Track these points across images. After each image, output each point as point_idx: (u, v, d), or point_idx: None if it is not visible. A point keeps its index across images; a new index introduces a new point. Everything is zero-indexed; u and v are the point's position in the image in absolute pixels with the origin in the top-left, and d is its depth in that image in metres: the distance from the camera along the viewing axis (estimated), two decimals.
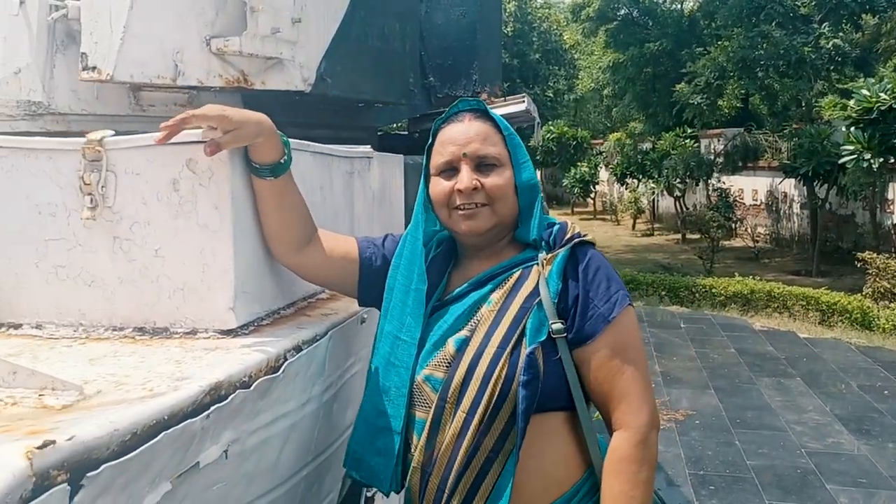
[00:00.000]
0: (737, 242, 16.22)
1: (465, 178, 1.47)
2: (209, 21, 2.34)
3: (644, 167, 18.05)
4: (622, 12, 21.33)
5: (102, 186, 1.51)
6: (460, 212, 1.49)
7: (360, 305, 1.71)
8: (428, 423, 1.43)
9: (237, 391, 1.24)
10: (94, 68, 2.22)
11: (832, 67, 14.92)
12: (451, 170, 1.50)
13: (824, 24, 14.69)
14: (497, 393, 1.38)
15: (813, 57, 14.15)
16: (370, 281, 1.62)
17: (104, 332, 1.53)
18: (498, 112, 5.37)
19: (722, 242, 14.83)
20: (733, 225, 15.86)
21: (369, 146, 2.43)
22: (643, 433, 1.40)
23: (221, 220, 1.49)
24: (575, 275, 1.48)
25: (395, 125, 6.87)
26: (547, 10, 25.62)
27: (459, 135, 1.50)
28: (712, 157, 16.94)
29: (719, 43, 16.09)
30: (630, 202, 20.66)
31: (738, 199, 17.23)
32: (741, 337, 7.96)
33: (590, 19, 21.27)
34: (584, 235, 1.53)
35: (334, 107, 3.06)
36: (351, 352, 1.88)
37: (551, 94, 23.70)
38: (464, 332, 1.45)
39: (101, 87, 2.40)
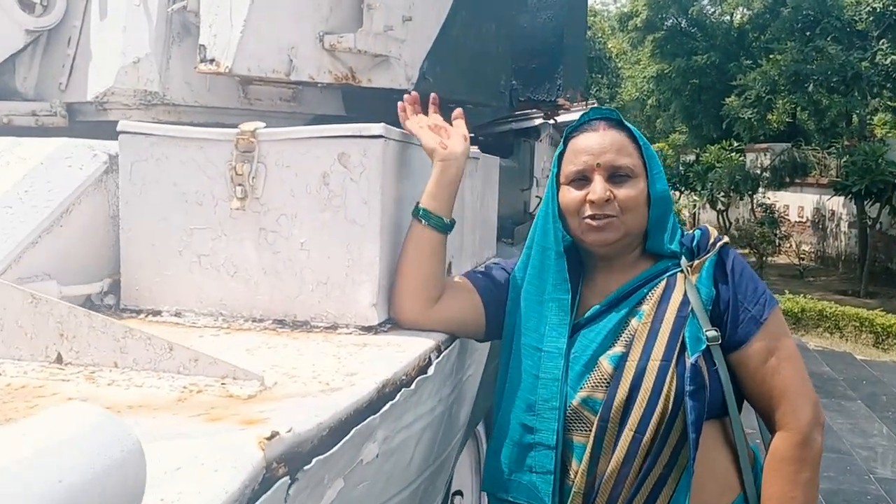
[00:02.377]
0: (781, 259, 15.95)
1: (599, 188, 1.45)
2: (324, 17, 2.35)
3: (687, 179, 17.82)
4: (670, 22, 21.14)
5: (253, 177, 1.51)
6: (590, 222, 1.47)
7: (482, 342, 1.70)
8: (589, 447, 1.39)
9: (402, 389, 1.23)
10: (212, 60, 2.23)
11: (888, 84, 14.61)
12: (583, 179, 1.48)
13: (882, 41, 14.39)
14: (670, 407, 1.35)
15: (870, 73, 13.87)
16: (494, 315, 1.60)
17: (244, 322, 1.53)
18: (567, 117, 5.36)
19: (767, 258, 14.59)
20: (778, 241, 15.60)
21: (477, 147, 2.42)
22: (804, 433, 1.37)
23: (370, 215, 1.48)
24: (724, 279, 1.46)
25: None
26: (592, 18, 25.52)
27: (594, 144, 1.48)
28: (759, 172, 16.68)
29: (771, 56, 15.85)
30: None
31: (783, 215, 16.94)
32: None
33: (637, 29, 21.10)
34: (723, 238, 1.51)
35: (426, 107, 3.06)
36: (469, 353, 1.87)
37: (594, 102, 23.52)
38: (617, 349, 1.42)
39: (213, 80, 2.42)
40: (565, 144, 1.54)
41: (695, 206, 18.82)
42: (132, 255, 1.60)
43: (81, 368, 1.15)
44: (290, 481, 0.86)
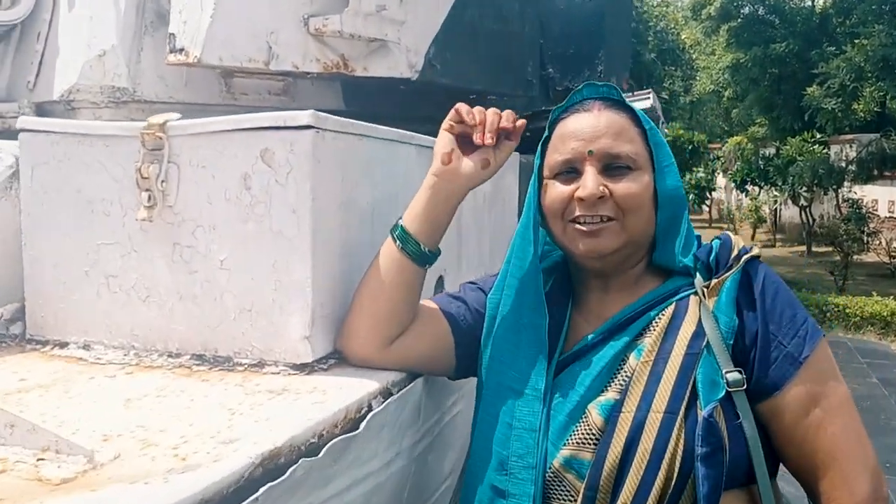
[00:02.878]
0: (869, 258, 14.91)
1: (590, 182, 1.11)
2: None
3: (766, 174, 16.97)
4: (746, 10, 20.11)
5: (162, 181, 1.24)
6: (579, 226, 1.13)
7: (452, 379, 1.37)
8: None
9: (300, 461, 0.92)
10: (181, 50, 1.99)
11: None
12: (571, 171, 1.15)
13: None
14: (676, 473, 1.02)
15: None
16: (465, 349, 1.27)
17: (157, 357, 1.26)
18: None
19: (853, 257, 13.66)
20: (866, 239, 14.60)
21: None
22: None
23: (300, 225, 1.18)
24: (750, 304, 1.11)
25: None
26: (664, 9, 24.66)
27: (586, 127, 1.14)
28: (844, 165, 15.67)
29: (857, 41, 14.82)
30: (750, 210, 19.50)
31: (871, 210, 15.87)
32: (883, 365, 7.11)
33: (711, 18, 20.17)
34: (751, 250, 1.16)
35: (442, 98, 2.74)
36: (454, 388, 1.55)
37: (666, 96, 22.72)
38: (610, 395, 1.09)
39: (189, 73, 2.18)
40: (551, 129, 1.21)
41: (775, 201, 17.93)
42: (36, 275, 1.35)
43: None
44: None
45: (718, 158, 21.13)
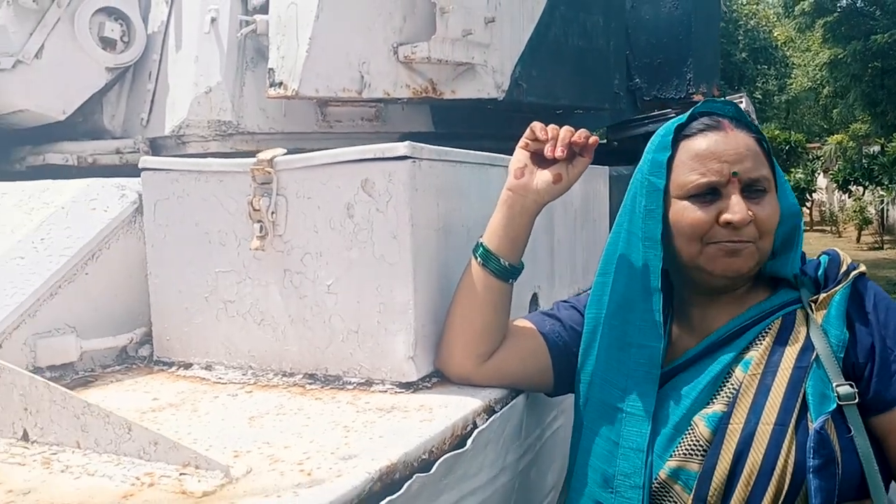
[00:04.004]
0: None
1: (740, 207, 1.10)
2: (396, 27, 2.15)
3: (871, 172, 16.13)
4: (843, 3, 19.23)
5: (272, 212, 1.32)
6: (723, 246, 1.12)
7: (551, 396, 1.39)
8: None
9: (414, 476, 0.97)
10: (280, 84, 2.10)
11: None
12: (710, 193, 1.13)
13: None
14: (787, 486, 1.02)
15: None
16: (563, 366, 1.30)
17: (273, 377, 1.35)
18: None
19: None
20: None
21: None
22: None
23: (400, 250, 1.24)
24: (862, 318, 1.10)
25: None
26: (755, 7, 23.88)
27: (727, 149, 1.12)
28: None
29: None
30: (854, 212, 18.54)
31: None
32: None
33: (805, 14, 19.39)
34: (859, 266, 1.15)
35: (529, 115, 2.78)
36: (553, 403, 1.57)
37: (759, 96, 21.94)
38: (716, 407, 1.09)
39: (288, 104, 2.29)
40: (675, 147, 1.18)
41: (882, 201, 16.97)
42: (161, 302, 1.46)
43: (45, 448, 1.00)
44: None
45: (818, 158, 20.25)
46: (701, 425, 1.09)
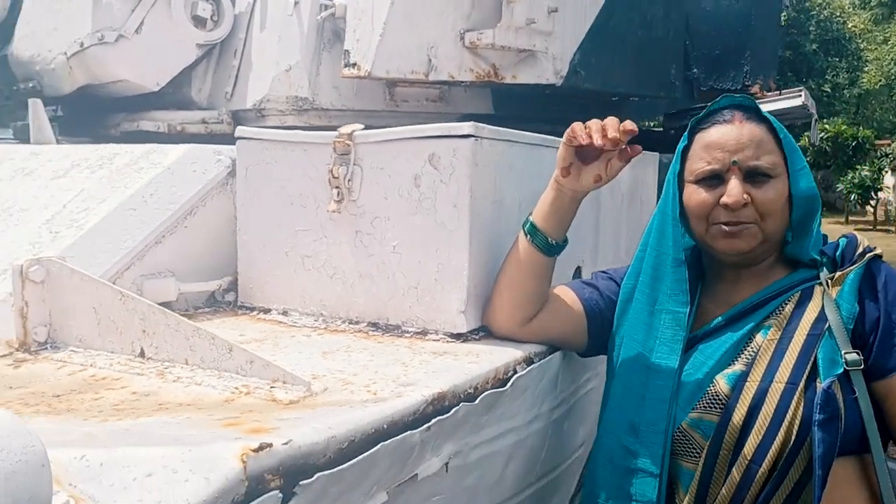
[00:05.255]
0: None
1: (735, 191, 1.25)
2: (464, 14, 2.32)
3: None
4: None
5: (349, 180, 1.51)
6: (723, 227, 1.28)
7: (583, 356, 1.57)
8: (698, 474, 1.23)
9: (461, 404, 1.16)
10: (354, 65, 2.29)
11: None
12: (714, 178, 1.29)
13: None
14: (794, 436, 1.15)
15: None
16: (597, 329, 1.47)
17: (341, 324, 1.54)
18: (770, 107, 4.88)
19: None
20: None
21: None
22: None
23: (459, 218, 1.42)
24: (873, 295, 1.23)
25: (647, 122, 6.52)
26: None
27: (730, 139, 1.27)
28: None
29: None
30: None
31: None
32: None
33: (882, 4, 18.74)
34: (874, 249, 1.28)
35: (586, 101, 2.92)
36: (588, 365, 1.74)
37: (828, 89, 21.32)
38: (737, 367, 1.24)
39: (359, 83, 2.49)
40: (691, 137, 1.36)
41: None
42: (246, 255, 1.67)
43: (158, 363, 1.22)
44: (281, 495, 0.83)
45: (887, 156, 19.60)
46: (721, 382, 1.24)
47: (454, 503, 1.31)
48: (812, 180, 1.32)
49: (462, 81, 2.42)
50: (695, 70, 3.52)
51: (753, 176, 1.27)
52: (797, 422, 1.16)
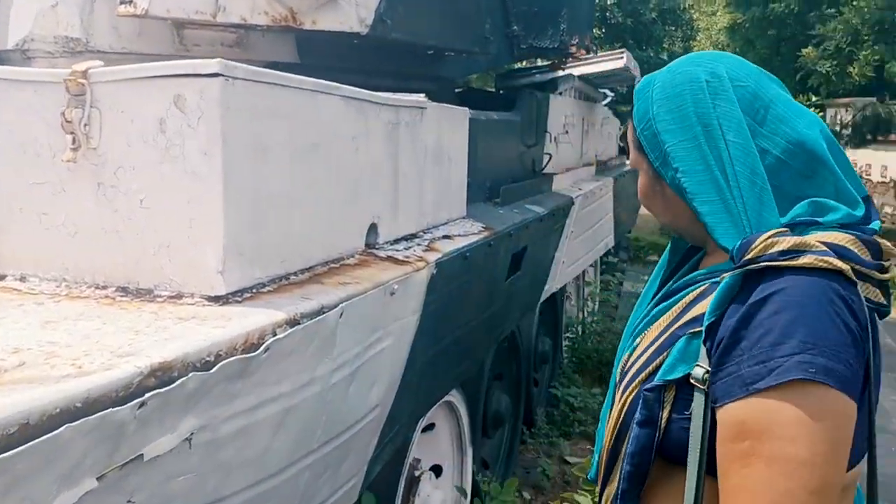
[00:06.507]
0: None
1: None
2: None
3: None
4: None
5: (86, 125, 1.32)
6: None
7: None
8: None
9: (191, 373, 1.03)
10: (130, 2, 2.05)
11: None
12: None
13: None
14: (617, 425, 1.10)
15: None
16: None
17: (86, 289, 1.36)
18: (592, 68, 4.96)
19: None
20: None
21: (423, 95, 2.17)
22: None
23: (211, 167, 1.27)
24: (737, 311, 0.99)
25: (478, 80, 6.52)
26: None
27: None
28: (838, 129, 15.65)
29: (854, 3, 14.67)
30: None
31: (864, 174, 15.92)
32: None
33: None
34: (793, 258, 0.96)
35: (399, 53, 2.81)
36: (376, 326, 1.66)
37: (665, 57, 22.47)
38: (637, 340, 1.16)
39: (143, 24, 2.24)
40: None
41: None
42: None
43: None
44: None
45: None
46: (628, 354, 1.16)
47: (207, 481, 1.19)
48: (683, 172, 1.12)
49: (257, 25, 2.24)
50: (515, 27, 3.51)
51: None
52: (623, 413, 1.08)
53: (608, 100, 6.63)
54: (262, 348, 1.18)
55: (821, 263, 0.94)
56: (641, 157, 1.17)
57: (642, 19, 22.15)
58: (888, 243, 1.03)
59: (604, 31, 22.87)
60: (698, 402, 1.00)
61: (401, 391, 1.89)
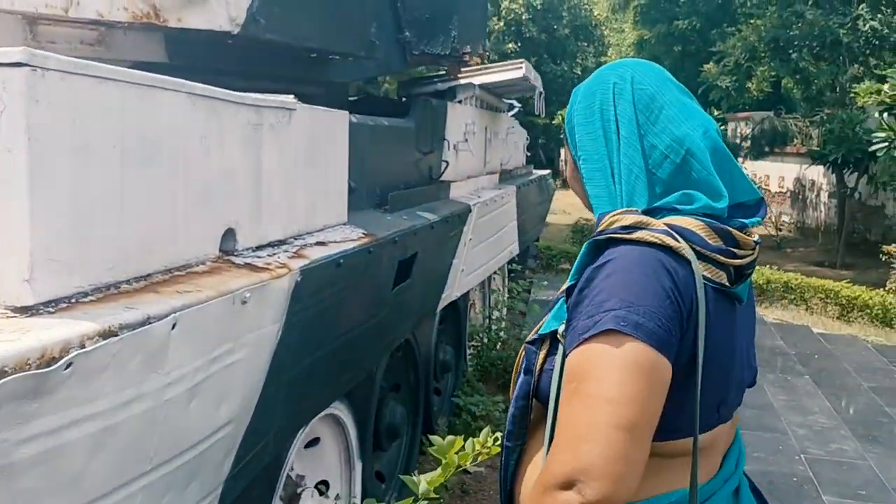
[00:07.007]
0: (759, 230, 15.71)
1: None
2: None
3: None
4: None
5: None
6: None
7: None
8: None
9: None
10: None
11: (869, 52, 14.17)
12: None
13: (862, 6, 13.92)
14: (516, 373, 1.29)
15: (849, 39, 13.42)
16: None
17: None
18: (492, 78, 4.96)
19: None
20: None
21: (292, 96, 2.09)
22: (538, 489, 1.05)
23: (15, 166, 1.16)
24: (585, 275, 1.14)
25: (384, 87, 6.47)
26: None
27: None
28: (738, 142, 16.35)
29: (751, 21, 15.40)
30: None
31: (763, 185, 16.67)
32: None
33: None
34: (629, 232, 1.11)
35: (279, 55, 2.71)
36: (223, 338, 1.56)
37: (579, 72, 23.07)
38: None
39: None
40: None
41: None
42: None
43: None
44: None
45: None
46: None
47: None
48: (585, 160, 1.26)
49: (117, 22, 2.12)
50: (407, 33, 3.47)
51: None
52: (520, 365, 1.27)
53: (515, 110, 6.68)
54: (61, 362, 1.08)
55: (650, 238, 1.09)
56: (567, 147, 1.34)
57: (556, 35, 22.71)
58: (742, 234, 1.18)
59: (519, 45, 23.33)
60: (559, 353, 1.17)
61: (262, 406, 1.79)
